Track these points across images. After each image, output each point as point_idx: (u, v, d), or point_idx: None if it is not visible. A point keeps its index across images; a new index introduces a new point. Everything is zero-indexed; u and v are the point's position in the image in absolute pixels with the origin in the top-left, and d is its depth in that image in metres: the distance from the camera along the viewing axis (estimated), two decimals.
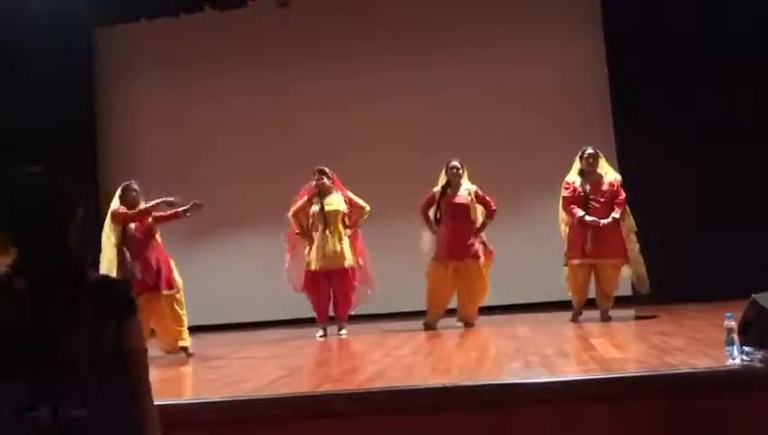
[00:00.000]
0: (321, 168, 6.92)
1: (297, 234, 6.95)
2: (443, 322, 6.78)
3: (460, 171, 6.77)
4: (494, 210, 6.73)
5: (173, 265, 5.79)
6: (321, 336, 6.65)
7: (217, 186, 8.26)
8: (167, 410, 3.27)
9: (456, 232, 6.65)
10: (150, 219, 5.78)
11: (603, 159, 6.46)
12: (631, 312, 6.75)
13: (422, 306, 6.87)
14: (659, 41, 7.92)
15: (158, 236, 5.85)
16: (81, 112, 9.21)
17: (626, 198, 6.30)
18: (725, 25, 7.71)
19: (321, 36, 9.08)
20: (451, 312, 6.86)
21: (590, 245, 6.21)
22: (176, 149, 9.29)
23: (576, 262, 6.30)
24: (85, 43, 9.34)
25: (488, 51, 8.72)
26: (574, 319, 6.34)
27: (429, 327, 6.63)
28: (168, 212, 5.85)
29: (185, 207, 5.78)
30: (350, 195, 6.96)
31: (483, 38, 8.75)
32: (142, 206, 5.78)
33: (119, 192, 5.86)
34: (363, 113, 8.96)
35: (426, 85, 8.82)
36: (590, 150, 6.39)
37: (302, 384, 3.91)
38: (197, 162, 9.13)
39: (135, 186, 5.85)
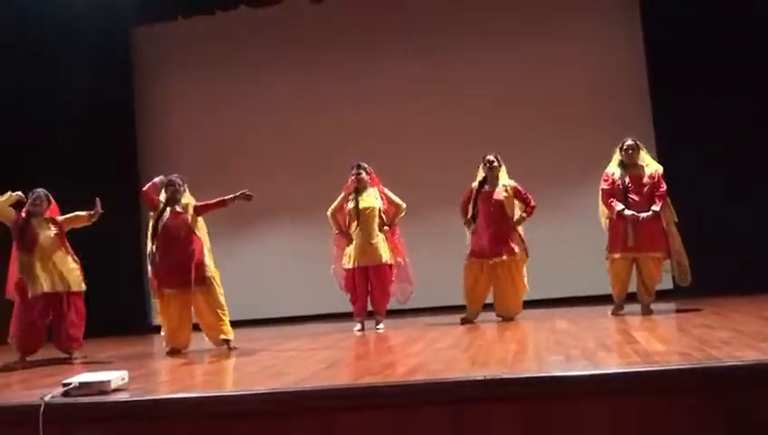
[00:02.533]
0: (360, 162, 6.92)
1: (337, 234, 6.98)
2: (480, 316, 6.75)
3: (495, 165, 6.72)
4: (534, 207, 6.67)
5: (207, 259, 5.81)
6: (358, 330, 6.68)
7: (255, 181, 8.25)
8: (209, 401, 3.35)
9: (491, 229, 6.61)
10: (191, 212, 5.84)
11: (644, 150, 6.33)
12: (672, 305, 6.65)
13: (459, 301, 6.85)
14: (700, 31, 7.79)
15: (197, 230, 5.89)
16: (121, 109, 9.40)
17: (666, 190, 6.17)
18: None
19: (353, 34, 9.14)
20: (488, 306, 6.83)
21: (631, 239, 6.11)
22: (211, 143, 9.44)
23: (617, 256, 6.21)
24: (124, 43, 9.52)
25: (526, 42, 8.70)
26: (615, 313, 6.26)
27: (467, 322, 6.61)
28: (214, 201, 5.90)
29: (233, 196, 5.83)
30: (387, 192, 6.93)
31: (521, 30, 8.72)
32: (186, 199, 5.86)
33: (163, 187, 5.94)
34: (396, 110, 8.99)
35: (460, 80, 8.81)
36: (629, 142, 6.27)
37: (343, 376, 3.92)
38: (232, 157, 9.26)
39: (178, 180, 5.90)
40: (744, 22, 7.64)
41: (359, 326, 6.77)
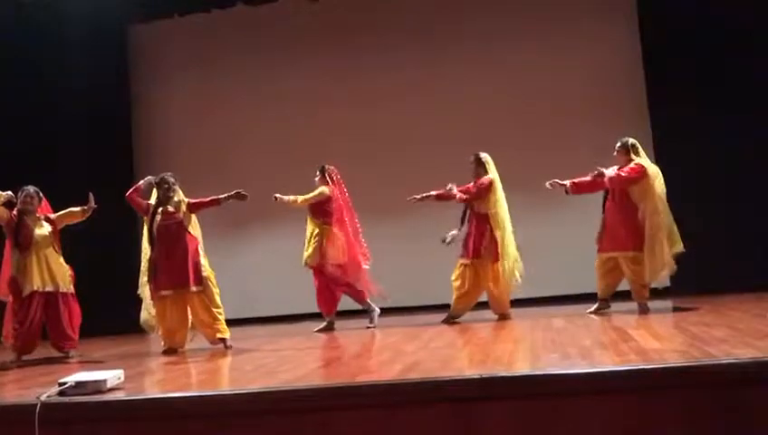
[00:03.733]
0: (322, 165, 6.97)
1: None
2: (477, 314, 6.75)
3: (474, 164, 6.66)
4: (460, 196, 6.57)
5: (203, 259, 5.78)
6: (315, 330, 6.71)
7: (251, 180, 8.28)
8: (204, 400, 3.34)
9: (469, 228, 6.60)
10: (184, 209, 5.82)
11: (635, 149, 6.21)
12: (669, 303, 6.65)
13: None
14: (697, 30, 7.77)
15: (191, 229, 5.86)
16: (118, 109, 9.36)
17: (620, 189, 6.06)
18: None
19: (349, 33, 9.12)
20: (483, 305, 6.83)
21: (603, 238, 6.23)
22: (208, 143, 9.41)
23: (599, 254, 6.32)
24: (120, 41, 9.49)
25: (524, 42, 8.69)
26: (592, 311, 6.29)
27: (449, 321, 6.58)
28: (207, 199, 5.88)
29: (227, 195, 5.80)
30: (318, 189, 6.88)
31: (519, 30, 8.72)
32: (178, 197, 5.84)
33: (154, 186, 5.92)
34: (392, 109, 8.97)
35: (458, 79, 8.79)
36: (617, 143, 6.28)
37: (339, 375, 3.91)
38: (230, 156, 9.23)
39: (170, 179, 5.88)
40: (743, 20, 7.62)
41: (322, 326, 6.79)
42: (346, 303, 7.06)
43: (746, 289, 6.74)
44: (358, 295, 6.86)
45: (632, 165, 6.12)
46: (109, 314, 7.94)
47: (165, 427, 3.30)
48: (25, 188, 5.89)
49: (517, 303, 6.83)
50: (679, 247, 6.05)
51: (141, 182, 5.93)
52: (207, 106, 9.48)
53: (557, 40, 8.61)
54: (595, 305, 6.39)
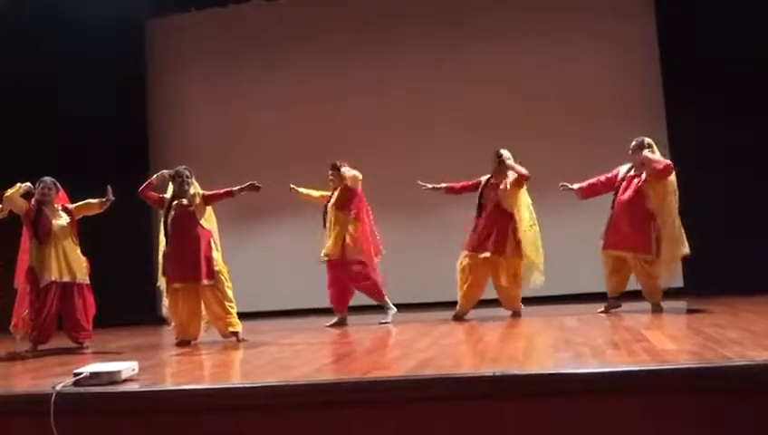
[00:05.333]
0: (334, 162, 6.89)
1: None
2: (489, 312, 6.74)
3: (500, 159, 6.60)
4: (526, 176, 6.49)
5: (215, 253, 5.80)
6: (327, 325, 6.71)
7: (264, 174, 8.33)
8: (219, 393, 3.36)
9: (487, 222, 6.54)
10: (198, 201, 5.85)
11: (651, 149, 6.19)
12: (683, 304, 6.62)
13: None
14: (714, 27, 7.71)
15: (206, 221, 5.89)
16: (133, 101, 9.42)
17: (637, 192, 6.03)
18: None
19: (370, 25, 9.12)
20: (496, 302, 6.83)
21: (608, 235, 6.19)
22: (223, 136, 9.46)
23: (603, 250, 6.28)
24: (136, 34, 9.53)
25: (539, 38, 8.66)
26: (603, 310, 6.26)
27: (459, 318, 6.56)
28: (222, 190, 5.91)
29: (240, 187, 5.83)
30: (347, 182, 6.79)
31: (534, 25, 8.69)
32: (193, 189, 5.87)
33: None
34: (407, 102, 8.97)
35: (474, 75, 8.79)
36: (633, 142, 6.23)
37: (351, 371, 3.92)
38: (244, 149, 9.27)
39: (185, 172, 5.90)
40: (760, 17, 7.56)
41: (332, 321, 6.79)
42: (357, 298, 7.07)
43: (761, 290, 6.68)
44: (376, 293, 6.84)
45: (644, 178, 6.04)
46: (123, 305, 8.00)
47: (179, 419, 3.33)
48: (43, 179, 5.94)
49: (529, 301, 6.82)
50: (686, 250, 6.02)
51: (154, 177, 5.97)
52: (223, 100, 9.52)
53: (573, 38, 8.58)
54: (605, 304, 6.36)
